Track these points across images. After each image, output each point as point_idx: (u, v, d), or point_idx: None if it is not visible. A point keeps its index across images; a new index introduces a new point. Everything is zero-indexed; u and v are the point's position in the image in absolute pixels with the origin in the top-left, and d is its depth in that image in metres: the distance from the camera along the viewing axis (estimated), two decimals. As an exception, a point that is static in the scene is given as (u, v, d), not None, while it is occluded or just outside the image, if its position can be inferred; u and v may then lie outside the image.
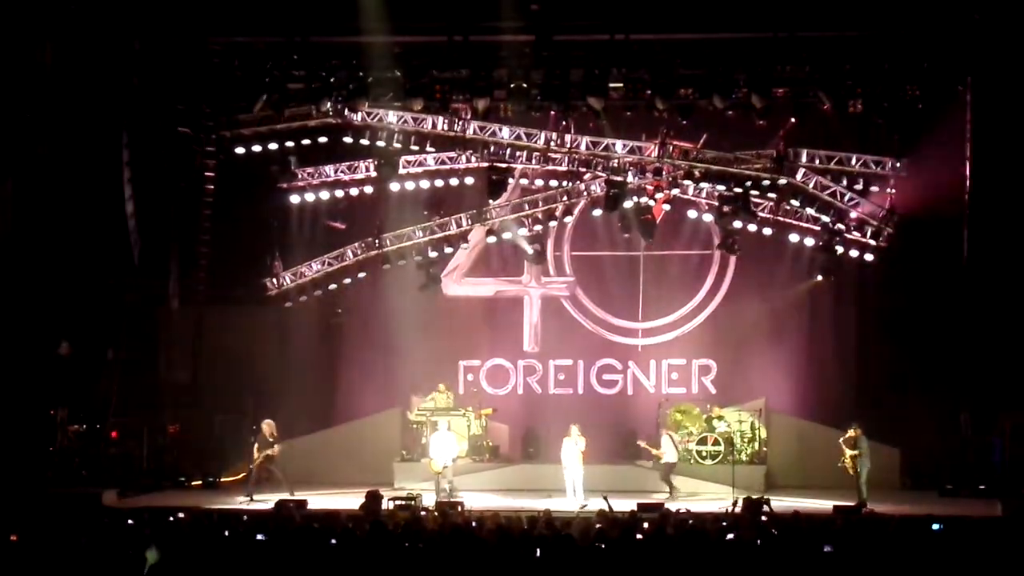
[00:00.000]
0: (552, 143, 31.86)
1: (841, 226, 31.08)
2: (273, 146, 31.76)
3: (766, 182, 31.11)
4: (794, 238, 32.07)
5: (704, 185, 31.99)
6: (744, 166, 31.39)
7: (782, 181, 31.18)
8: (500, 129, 31.78)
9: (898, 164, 30.88)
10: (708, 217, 32.76)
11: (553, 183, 33.19)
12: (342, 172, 33.35)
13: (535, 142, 31.91)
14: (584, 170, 32.29)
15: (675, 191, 32.06)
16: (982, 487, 28.90)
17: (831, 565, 15.47)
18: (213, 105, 31.32)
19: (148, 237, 32.06)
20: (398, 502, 25.17)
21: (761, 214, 31.86)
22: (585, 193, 33.09)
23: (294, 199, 33.22)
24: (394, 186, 32.79)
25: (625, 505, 23.53)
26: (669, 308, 33.89)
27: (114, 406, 31.60)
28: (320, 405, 33.26)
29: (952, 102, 29.79)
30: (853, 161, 31.25)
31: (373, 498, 24.36)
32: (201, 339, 33.03)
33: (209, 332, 33.05)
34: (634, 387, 33.98)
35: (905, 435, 30.52)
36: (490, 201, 32.64)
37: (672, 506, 22.99)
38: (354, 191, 33.35)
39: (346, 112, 30.99)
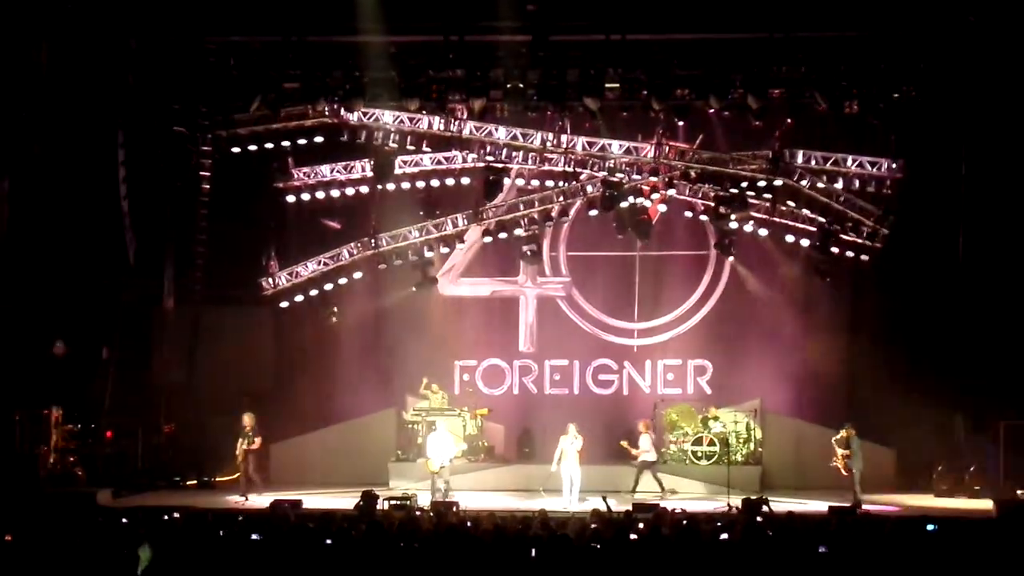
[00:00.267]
0: (548, 143, 31.84)
1: (837, 227, 31.08)
2: (269, 146, 31.72)
3: (762, 183, 31.12)
4: (790, 239, 32.07)
5: (700, 186, 31.99)
6: (740, 167, 31.41)
7: (778, 182, 31.18)
8: (496, 129, 31.76)
9: (894, 165, 30.87)
10: (704, 218, 32.75)
11: (549, 183, 33.17)
12: (338, 172, 33.33)
13: (531, 142, 31.90)
14: (580, 170, 32.27)
15: (671, 192, 32.07)
16: (977, 488, 28.93)
17: (826, 566, 15.47)
18: (209, 104, 31.27)
19: (143, 236, 32.02)
20: (393, 502, 25.17)
21: (757, 215, 31.85)
22: (581, 193, 33.08)
23: (290, 199, 33.20)
24: (390, 186, 32.75)
25: (620, 505, 23.55)
26: (665, 308, 33.90)
27: (109, 406, 31.56)
28: (316, 405, 33.24)
29: (948, 102, 29.75)
30: (849, 162, 31.24)
31: (368, 498, 24.37)
32: (196, 339, 32.97)
33: (204, 332, 33.00)
34: (630, 387, 34.00)
35: (900, 436, 30.56)
36: (486, 201, 32.61)
37: (667, 506, 22.97)
38: (350, 191, 33.31)
39: (342, 112, 30.95)
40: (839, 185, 31.23)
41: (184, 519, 20.48)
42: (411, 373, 32.88)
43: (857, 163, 31.17)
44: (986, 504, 26.55)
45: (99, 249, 31.24)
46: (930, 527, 18.72)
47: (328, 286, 33.50)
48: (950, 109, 29.85)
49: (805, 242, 31.77)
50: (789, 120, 30.64)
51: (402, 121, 31.57)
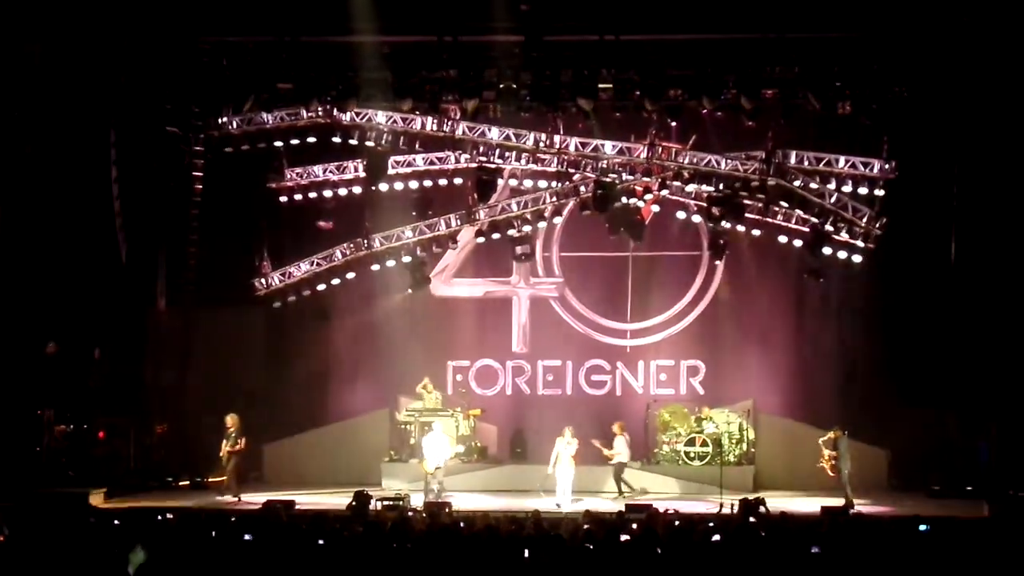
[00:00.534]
0: (541, 144, 31.83)
1: (829, 228, 31.09)
2: (262, 146, 31.70)
3: (755, 183, 31.14)
4: (782, 239, 32.09)
5: (693, 186, 31.99)
6: (733, 167, 31.41)
7: (771, 182, 31.21)
8: (489, 129, 31.75)
9: (886, 166, 30.89)
10: (697, 218, 32.77)
11: (542, 184, 33.17)
12: (331, 172, 33.31)
13: (524, 143, 31.89)
14: (573, 171, 32.26)
15: (664, 192, 32.08)
16: (969, 489, 28.97)
17: (818, 566, 15.47)
18: (202, 105, 31.26)
19: (136, 237, 32.00)
20: (386, 502, 25.17)
21: (750, 215, 31.86)
22: (574, 194, 33.06)
23: (283, 199, 33.18)
24: (383, 186, 32.72)
25: (612, 506, 23.56)
26: (658, 309, 33.91)
27: (101, 406, 31.53)
28: (308, 405, 33.25)
29: (940, 103, 29.78)
30: (842, 163, 31.25)
31: (361, 498, 24.37)
32: (189, 339, 32.96)
33: (197, 332, 32.98)
34: (623, 388, 34.00)
35: (893, 437, 30.60)
36: (479, 202, 32.59)
37: (660, 506, 22.99)
38: (343, 191, 33.31)
39: (335, 112, 30.93)
40: (832, 186, 31.24)
41: (177, 519, 20.44)
42: (404, 374, 32.85)
43: (850, 164, 31.18)
44: (978, 505, 26.56)
45: (92, 249, 31.21)
46: (923, 527, 18.74)
47: (321, 287, 33.48)
48: (942, 110, 29.88)
49: (798, 243, 31.79)
50: (782, 121, 30.65)
51: (395, 121, 31.56)
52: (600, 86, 29.51)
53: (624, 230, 32.19)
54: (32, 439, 30.04)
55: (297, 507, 24.75)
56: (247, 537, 17.13)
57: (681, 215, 32.89)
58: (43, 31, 29.18)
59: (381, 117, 31.47)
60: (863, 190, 31.13)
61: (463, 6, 28.46)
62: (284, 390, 33.10)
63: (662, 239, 33.41)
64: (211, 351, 32.84)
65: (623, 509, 23.16)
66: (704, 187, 31.62)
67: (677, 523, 19.29)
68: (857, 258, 31.47)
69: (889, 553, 16.28)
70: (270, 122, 31.56)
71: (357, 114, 31.21)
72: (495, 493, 29.34)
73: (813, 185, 31.28)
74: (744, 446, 31.17)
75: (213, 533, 17.86)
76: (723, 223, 31.45)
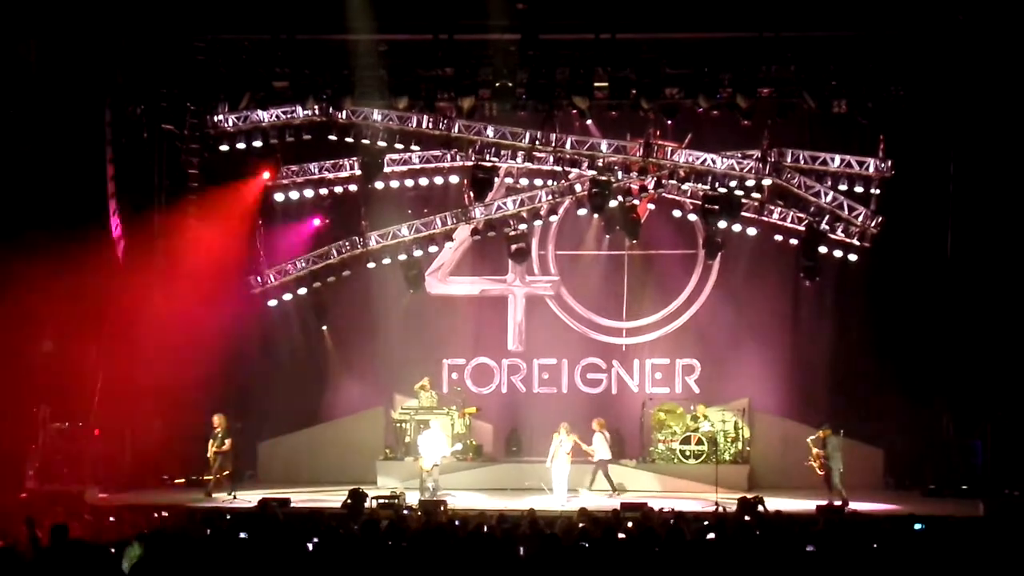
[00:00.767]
0: (537, 142, 31.83)
1: (825, 226, 31.12)
2: (258, 144, 31.67)
3: (751, 182, 31.17)
4: (778, 238, 32.12)
5: (689, 185, 32.00)
6: (729, 166, 31.43)
7: (766, 181, 31.25)
8: (485, 128, 31.74)
9: (882, 164, 30.91)
10: (693, 217, 32.78)
11: (538, 182, 33.19)
12: (327, 170, 33.30)
13: (520, 141, 31.89)
14: (569, 169, 32.27)
15: (660, 191, 32.10)
16: (964, 487, 29.00)
17: (813, 565, 15.49)
18: (197, 102, 31.24)
19: (131, 234, 31.93)
20: (381, 501, 25.17)
21: (745, 214, 31.88)
22: (570, 192, 33.08)
23: (278, 197, 33.18)
24: (379, 184, 32.72)
25: (608, 504, 23.56)
26: (653, 307, 33.92)
27: (97, 404, 31.48)
28: (304, 403, 33.25)
29: (936, 102, 29.79)
30: (837, 161, 31.28)
31: (356, 496, 24.37)
32: (184, 337, 32.86)
33: (193, 329, 32.90)
34: (618, 386, 34.02)
35: (888, 435, 30.63)
36: (475, 200, 32.59)
37: (655, 505, 23.00)
38: (339, 189, 33.32)
39: (331, 110, 30.92)
40: (828, 185, 31.26)
41: (172, 517, 20.45)
42: (399, 372, 32.89)
43: (845, 163, 31.21)
44: (974, 504, 26.59)
45: (87, 246, 31.13)
46: (917, 526, 18.77)
47: (316, 284, 33.48)
48: (938, 109, 29.89)
49: (794, 241, 31.82)
50: (778, 119, 30.66)
51: (391, 119, 31.54)
52: (596, 85, 29.49)
53: (620, 228, 32.23)
54: (28, 436, 29.96)
55: (292, 505, 24.74)
56: (242, 535, 17.15)
57: (677, 214, 32.92)
58: (38, 28, 29.13)
59: (377, 115, 31.45)
60: (859, 189, 31.18)
61: (459, 4, 28.45)
62: (279, 388, 33.07)
63: (658, 238, 33.44)
64: (207, 349, 32.74)
65: (618, 507, 23.18)
66: (700, 186, 31.62)
67: (672, 521, 19.31)
68: (853, 257, 31.52)
69: (884, 552, 16.30)
70: (266, 120, 31.56)
71: (353, 112, 31.21)
72: (490, 491, 29.35)
73: (809, 184, 31.31)
74: (739, 445, 31.20)
75: (208, 531, 17.87)
76: (719, 222, 31.46)
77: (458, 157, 32.47)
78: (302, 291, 33.55)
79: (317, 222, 33.69)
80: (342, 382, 33.47)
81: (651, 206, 32.51)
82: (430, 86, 29.71)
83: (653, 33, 29.24)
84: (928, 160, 30.75)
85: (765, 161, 31.12)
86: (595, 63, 29.30)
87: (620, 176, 31.80)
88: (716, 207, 31.14)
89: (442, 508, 23.57)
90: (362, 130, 31.44)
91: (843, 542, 16.68)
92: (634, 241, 32.72)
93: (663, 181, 32.00)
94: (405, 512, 22.96)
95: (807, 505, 25.85)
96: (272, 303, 33.47)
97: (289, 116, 31.55)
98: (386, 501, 25.16)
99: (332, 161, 33.21)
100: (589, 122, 31.45)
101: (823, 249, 31.28)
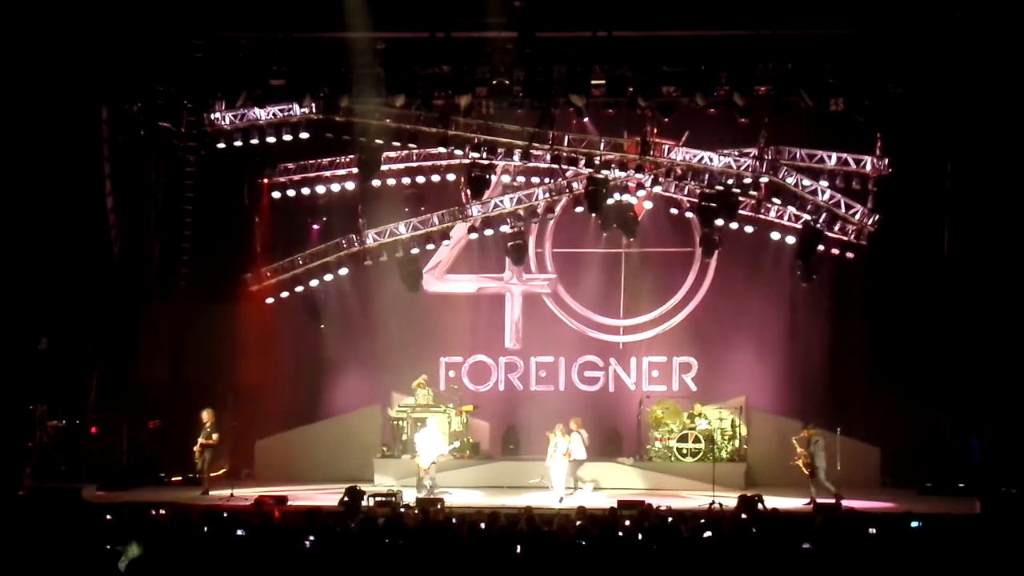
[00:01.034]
0: (534, 140, 31.80)
1: (822, 224, 31.12)
2: (255, 141, 31.68)
3: (747, 180, 31.18)
4: (775, 236, 32.14)
5: (686, 183, 32.01)
6: (726, 164, 31.44)
7: (763, 179, 31.26)
8: (482, 126, 31.71)
9: (879, 162, 30.92)
10: (690, 215, 32.79)
11: (535, 180, 33.19)
12: (324, 168, 33.30)
13: (517, 139, 31.86)
14: (566, 167, 32.26)
15: (657, 188, 32.11)
16: (961, 485, 29.02)
17: (810, 563, 15.49)
18: (194, 100, 31.23)
19: (128, 232, 31.96)
20: (378, 499, 25.17)
21: (742, 212, 31.90)
22: (567, 190, 33.09)
23: (275, 194, 33.16)
24: (376, 182, 32.72)
25: (606, 502, 23.56)
26: (650, 305, 33.93)
27: (94, 401, 31.51)
28: (301, 401, 33.25)
29: (933, 100, 29.80)
30: (834, 159, 31.28)
31: (353, 494, 24.37)
32: (182, 334, 32.92)
33: (190, 327, 32.94)
34: (615, 384, 34.02)
35: (885, 433, 30.64)
36: (472, 198, 32.59)
37: (652, 503, 23.00)
38: (336, 187, 33.31)
39: (328, 108, 30.91)
40: (824, 183, 31.26)
41: (170, 515, 20.44)
42: (396, 370, 32.88)
43: (842, 160, 31.22)
44: (970, 501, 26.60)
45: (84, 245, 31.17)
46: (914, 524, 18.76)
47: (313, 282, 33.48)
48: (936, 107, 29.90)
49: (791, 239, 31.84)
50: (775, 117, 30.68)
51: (388, 117, 31.52)
52: (593, 82, 29.49)
53: (617, 226, 32.22)
54: (25, 434, 29.97)
55: (289, 503, 24.74)
56: (239, 533, 17.15)
57: (674, 212, 32.93)
58: (35, 25, 29.12)
59: (373, 113, 31.40)
60: (856, 187, 31.18)
61: (456, 2, 28.43)
62: (276, 386, 33.06)
63: (655, 235, 33.44)
64: (204, 347, 32.79)
65: (615, 505, 23.19)
66: (697, 184, 31.62)
67: (670, 519, 19.31)
68: (850, 255, 31.53)
69: (881, 550, 16.30)
70: (263, 118, 31.56)
71: (350, 110, 31.18)
72: (488, 489, 29.35)
73: (806, 182, 31.32)
74: (736, 443, 31.21)
75: (205, 529, 17.87)
76: (716, 220, 31.46)
77: (455, 155, 32.44)
78: (299, 289, 33.53)
79: (316, 227, 33.65)
80: (339, 380, 33.47)
81: (648, 204, 32.49)
82: (427, 84, 29.70)
83: (650, 31, 29.22)
84: (925, 158, 30.76)
85: (762, 159, 31.14)
86: (592, 61, 29.29)
87: (617, 174, 31.81)
88: (713, 205, 31.14)
89: (439, 506, 23.57)
90: (359, 128, 31.39)
91: (840, 540, 16.69)
92: (631, 239, 32.70)
93: (660, 179, 32.01)
94: (402, 510, 22.95)
95: (804, 503, 25.87)
96: (269, 301, 33.45)
97: (286, 114, 31.54)
98: (383, 499, 25.15)
99: (329, 159, 33.21)
100: (586, 120, 31.41)
101: (820, 247, 31.26)
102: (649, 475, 30.31)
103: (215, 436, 29.08)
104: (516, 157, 32.03)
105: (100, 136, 31.18)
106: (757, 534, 17.25)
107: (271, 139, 31.72)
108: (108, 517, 20.03)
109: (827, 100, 29.37)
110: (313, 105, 30.76)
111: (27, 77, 29.21)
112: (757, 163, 31.16)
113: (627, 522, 19.02)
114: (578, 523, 18.76)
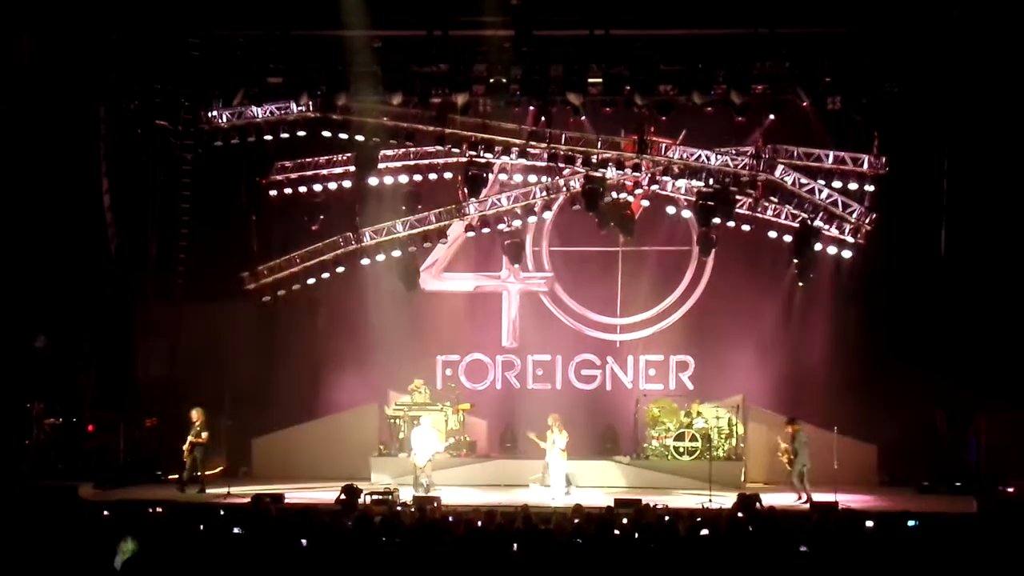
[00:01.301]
0: (531, 139, 31.79)
1: (819, 223, 31.13)
2: (251, 140, 31.68)
3: (745, 179, 31.18)
4: (772, 235, 32.14)
5: (683, 181, 32.02)
6: (723, 163, 31.44)
7: (760, 178, 31.26)
8: (479, 124, 31.71)
9: (876, 161, 30.94)
10: (687, 213, 32.79)
11: (532, 178, 33.18)
12: (321, 166, 33.29)
13: (514, 138, 31.85)
14: (563, 166, 32.25)
15: (654, 187, 32.10)
16: (958, 484, 29.02)
17: (807, 561, 15.50)
18: (191, 98, 31.23)
19: (125, 230, 31.95)
20: (375, 497, 25.17)
21: (739, 211, 31.90)
22: (564, 188, 33.10)
23: (272, 193, 33.16)
24: (373, 181, 32.71)
25: (602, 500, 23.55)
26: (647, 304, 33.90)
27: (91, 399, 31.51)
28: (298, 400, 33.20)
29: (930, 98, 29.81)
30: (831, 158, 31.30)
31: (350, 492, 24.37)
32: (179, 333, 32.92)
33: (187, 326, 32.94)
34: (612, 383, 33.99)
35: (882, 432, 30.64)
36: (469, 196, 32.59)
37: (649, 501, 23.01)
38: (333, 185, 33.30)
39: (325, 106, 30.90)
40: (822, 181, 31.28)
41: (167, 513, 20.44)
42: (393, 368, 32.85)
43: (839, 159, 31.23)
44: (967, 501, 26.61)
45: (81, 243, 31.17)
46: (911, 523, 18.77)
47: (310, 281, 33.47)
48: (933, 105, 29.91)
49: (788, 238, 31.84)
50: (772, 116, 30.70)
51: (385, 115, 31.52)
52: (590, 81, 29.49)
53: (614, 225, 32.20)
54: (22, 432, 29.98)
55: (286, 501, 24.72)
56: (236, 531, 17.15)
57: (671, 210, 32.93)
58: (32, 24, 29.12)
59: (369, 111, 31.40)
60: (853, 185, 31.19)
61: (453, 0, 28.45)
62: (273, 384, 33.04)
63: (652, 234, 33.41)
64: (201, 345, 32.79)
65: (612, 504, 23.19)
66: (694, 182, 31.63)
67: (667, 518, 19.32)
68: (847, 253, 31.53)
69: (877, 548, 16.30)
70: (260, 116, 31.56)
71: (347, 108, 31.18)
72: (484, 487, 29.35)
73: (803, 180, 31.33)
74: (733, 441, 31.21)
75: (202, 527, 17.87)
76: (713, 218, 31.45)
77: (452, 153, 32.43)
78: (296, 287, 33.51)
79: (314, 228, 33.62)
80: (336, 378, 33.42)
81: (645, 202, 32.48)
82: (424, 82, 29.70)
83: (647, 29, 29.25)
84: (922, 157, 30.77)
85: (759, 158, 31.15)
86: (589, 59, 29.29)
87: (614, 172, 31.80)
88: (710, 204, 31.14)
89: (436, 504, 23.57)
90: (356, 126, 31.39)
91: (836, 539, 16.69)
92: (628, 237, 32.68)
93: (657, 177, 32.00)
94: (399, 508, 22.93)
95: (801, 501, 25.87)
96: (266, 299, 33.43)
97: (283, 112, 31.54)
98: (380, 497, 25.15)
99: (326, 157, 33.21)
100: (583, 118, 31.41)
101: (817, 246, 31.26)
102: (646, 474, 30.30)
103: (205, 435, 29.02)
104: (513, 155, 32.00)
105: (97, 134, 31.18)
106: (754, 533, 17.25)
107: (268, 137, 31.72)
108: (105, 515, 20.02)
109: (824, 99, 29.39)
110: (310, 103, 30.76)
111: (24, 75, 29.22)
112: (754, 162, 31.16)
113: (624, 520, 19.02)
114: (575, 521, 18.75)
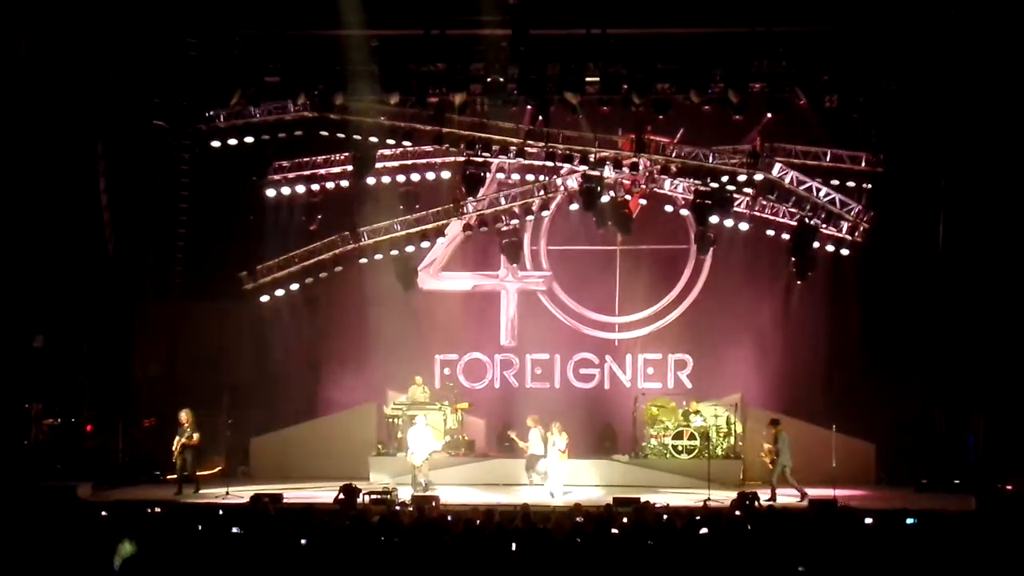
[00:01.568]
0: (529, 138, 31.79)
1: (817, 221, 31.15)
2: (249, 139, 31.68)
3: (742, 177, 31.19)
4: (770, 233, 32.15)
5: (680, 180, 32.03)
6: (720, 161, 31.45)
7: (758, 176, 31.27)
8: (477, 123, 31.71)
9: (874, 159, 30.95)
10: (684, 212, 32.80)
11: (530, 177, 33.19)
12: (318, 166, 33.30)
13: (512, 136, 31.85)
14: (561, 165, 32.25)
15: (652, 186, 32.11)
16: (956, 482, 29.03)
17: (806, 559, 15.50)
18: (189, 99, 31.23)
19: (123, 230, 31.95)
20: (373, 496, 25.17)
21: (737, 209, 31.91)
22: (562, 187, 33.11)
23: (270, 192, 33.16)
24: (371, 180, 32.71)
25: (601, 499, 23.54)
26: (646, 303, 33.90)
27: (89, 399, 31.50)
28: (296, 399, 33.23)
29: (928, 97, 29.82)
30: (829, 156, 31.32)
31: (348, 492, 24.36)
32: (177, 333, 32.92)
33: (185, 326, 32.95)
34: (611, 382, 33.98)
35: (880, 430, 30.65)
36: (467, 195, 32.59)
37: (648, 500, 23.01)
38: (330, 184, 33.31)
39: (322, 106, 30.90)
40: (819, 180, 31.30)
41: (165, 513, 20.44)
42: (392, 367, 32.85)
43: (837, 157, 31.24)
44: (966, 498, 26.62)
45: (79, 243, 31.16)
46: (910, 521, 18.78)
47: (308, 280, 33.46)
48: (930, 104, 29.92)
49: (786, 236, 31.85)
50: (770, 114, 30.72)
51: (382, 115, 31.52)
52: (587, 80, 29.51)
53: (612, 224, 32.21)
54: (20, 432, 29.96)
55: (285, 501, 24.71)
56: (235, 530, 17.14)
57: (669, 209, 32.94)
58: (30, 25, 29.10)
59: (369, 111, 31.41)
60: (851, 183, 31.22)
61: (451, 0, 28.46)
62: (272, 384, 33.07)
63: (649, 233, 33.41)
64: (199, 345, 32.79)
65: (611, 503, 23.20)
66: (692, 181, 31.64)
67: (666, 516, 19.32)
68: (845, 251, 31.56)
69: (876, 546, 16.31)
70: (257, 116, 31.57)
71: (344, 108, 31.18)
72: (483, 487, 29.35)
73: (801, 179, 31.34)
74: (732, 440, 31.20)
75: (200, 527, 17.86)
76: (711, 217, 31.45)
77: (450, 152, 32.44)
78: (294, 287, 33.51)
79: (308, 222, 33.61)
80: (334, 378, 33.43)
81: (643, 201, 32.48)
82: (422, 81, 29.72)
83: (644, 28, 29.27)
84: (920, 155, 30.79)
85: (757, 156, 31.15)
86: (586, 58, 29.32)
87: (612, 171, 31.81)
88: (708, 202, 31.15)
89: (434, 503, 23.57)
90: (354, 126, 31.40)
91: (835, 536, 16.70)
92: (626, 236, 32.69)
93: (655, 176, 32.01)
94: (397, 507, 22.94)
95: (798, 500, 25.88)
96: (264, 299, 33.43)
97: (281, 112, 31.54)
98: (378, 496, 25.14)
99: (324, 156, 33.21)
100: (581, 117, 31.40)
101: (815, 244, 31.27)
102: (645, 472, 30.28)
103: (196, 436, 28.94)
104: (511, 155, 32.00)
105: (95, 135, 31.16)
106: (752, 531, 17.26)
107: (266, 137, 31.73)
108: (103, 515, 20.02)
109: (822, 97, 29.45)
110: (308, 103, 30.78)
111: (22, 75, 29.20)
112: (752, 160, 31.15)
113: (623, 519, 19.02)
114: (574, 520, 18.75)
